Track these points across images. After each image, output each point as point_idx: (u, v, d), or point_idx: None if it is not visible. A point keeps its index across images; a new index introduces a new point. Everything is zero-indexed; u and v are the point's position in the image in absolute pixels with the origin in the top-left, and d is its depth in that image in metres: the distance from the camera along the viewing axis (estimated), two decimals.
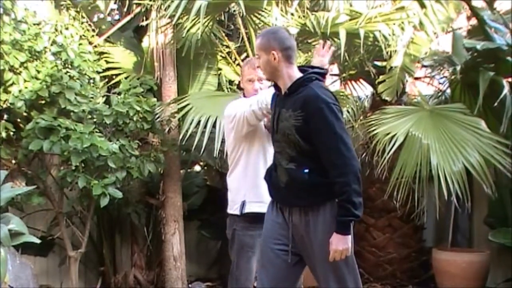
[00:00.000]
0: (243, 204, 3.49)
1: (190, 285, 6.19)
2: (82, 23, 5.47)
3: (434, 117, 5.26)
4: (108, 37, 5.90)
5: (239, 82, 5.89)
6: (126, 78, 5.64)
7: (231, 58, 5.81)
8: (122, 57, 5.97)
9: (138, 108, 5.20)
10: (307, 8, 5.42)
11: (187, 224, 6.00)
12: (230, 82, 6.10)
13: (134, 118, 5.19)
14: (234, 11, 5.63)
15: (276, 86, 3.13)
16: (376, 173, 5.20)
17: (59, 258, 5.90)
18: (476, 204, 5.80)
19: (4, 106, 4.84)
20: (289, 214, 3.07)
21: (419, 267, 6.22)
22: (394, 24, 5.11)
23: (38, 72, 4.91)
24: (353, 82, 6.46)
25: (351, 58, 5.55)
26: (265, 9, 5.22)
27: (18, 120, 5.02)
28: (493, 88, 5.06)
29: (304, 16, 5.32)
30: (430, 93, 6.47)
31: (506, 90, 5.01)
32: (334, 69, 6.58)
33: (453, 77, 5.62)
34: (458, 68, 5.43)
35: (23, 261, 4.93)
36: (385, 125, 5.16)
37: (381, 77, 5.54)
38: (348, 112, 5.08)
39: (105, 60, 5.70)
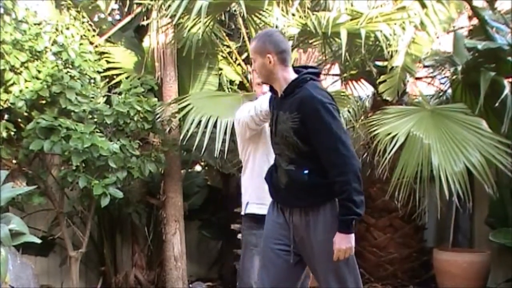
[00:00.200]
0: (246, 205, 3.60)
1: (190, 285, 6.19)
2: (83, 23, 5.46)
3: (435, 117, 5.26)
4: (109, 37, 5.90)
5: (240, 82, 5.92)
6: (127, 78, 5.64)
7: (232, 58, 5.80)
8: (123, 57, 5.97)
9: (139, 108, 5.20)
10: (308, 8, 5.41)
11: (187, 224, 6.00)
12: (231, 82, 6.10)
13: (135, 118, 5.19)
14: (235, 11, 5.62)
15: (272, 89, 3.14)
16: (377, 173, 5.19)
17: (60, 258, 5.91)
18: (477, 204, 5.80)
19: (5, 106, 4.84)
20: (289, 214, 3.07)
21: (420, 267, 6.21)
22: (395, 24, 5.10)
23: (39, 72, 4.91)
24: (354, 82, 6.46)
25: (352, 58, 5.54)
26: (266, 9, 5.22)
27: (19, 120, 5.02)
28: (494, 88, 5.05)
29: (305, 16, 5.31)
30: (431, 93, 6.47)
31: (507, 90, 5.00)
32: (335, 69, 6.59)
33: (454, 77, 5.61)
34: (459, 68, 5.42)
35: (23, 261, 4.93)
36: (386, 125, 5.16)
37: (382, 77, 5.53)
38: (349, 112, 5.07)
39: (106, 60, 5.70)
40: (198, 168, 7.01)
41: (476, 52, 5.18)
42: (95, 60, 5.33)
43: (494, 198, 5.23)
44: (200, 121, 4.86)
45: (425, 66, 6.20)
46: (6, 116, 4.95)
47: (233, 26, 6.09)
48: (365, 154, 5.69)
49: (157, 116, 5.35)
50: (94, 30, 5.65)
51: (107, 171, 4.93)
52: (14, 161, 5.02)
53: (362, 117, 5.58)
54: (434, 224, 6.37)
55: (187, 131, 4.87)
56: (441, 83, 6.40)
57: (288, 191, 3.05)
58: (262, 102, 3.42)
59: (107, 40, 5.90)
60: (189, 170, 6.53)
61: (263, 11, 5.29)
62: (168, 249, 5.73)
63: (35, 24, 5.05)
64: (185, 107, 5.10)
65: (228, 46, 5.80)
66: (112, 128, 5.19)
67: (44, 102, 4.95)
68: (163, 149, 5.53)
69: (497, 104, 5.02)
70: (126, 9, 6.12)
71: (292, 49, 5.65)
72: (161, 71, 5.68)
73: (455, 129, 5.09)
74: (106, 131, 5.14)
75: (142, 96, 5.34)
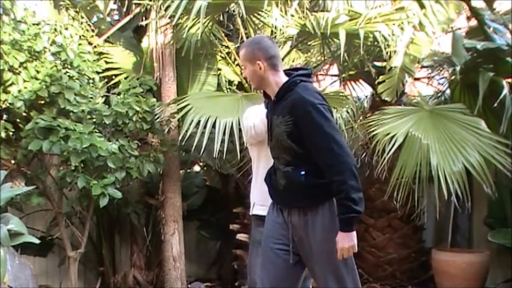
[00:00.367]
0: (253, 205, 3.65)
1: (189, 286, 6.18)
2: (82, 23, 5.46)
3: (434, 117, 5.26)
4: (108, 37, 5.90)
5: (239, 82, 5.92)
6: (125, 78, 5.64)
7: (230, 58, 5.81)
8: (122, 57, 5.97)
9: (138, 108, 5.20)
10: (306, 9, 5.41)
11: (186, 225, 6.00)
12: (230, 83, 6.10)
13: (134, 118, 5.19)
14: (234, 11, 5.63)
15: (266, 94, 3.15)
16: (376, 174, 5.19)
17: (59, 258, 5.91)
18: (476, 205, 5.80)
19: (4, 106, 4.83)
20: (288, 214, 3.08)
21: (419, 267, 6.21)
22: (393, 24, 5.11)
23: (38, 72, 4.90)
24: (352, 82, 6.46)
25: (350, 59, 5.55)
26: (265, 9, 5.22)
27: (18, 120, 5.01)
28: (492, 88, 5.06)
29: (304, 17, 5.31)
30: (430, 94, 6.47)
31: (505, 90, 5.01)
32: (334, 69, 6.59)
33: (452, 77, 5.62)
34: (458, 68, 5.42)
35: (22, 261, 4.92)
36: (385, 125, 5.16)
37: (380, 77, 5.53)
38: (348, 112, 5.07)
39: (105, 60, 5.70)
40: (197, 168, 7.01)
41: (475, 53, 5.19)
42: (94, 61, 5.33)
43: (493, 198, 5.23)
44: (199, 122, 4.86)
45: (423, 67, 6.20)
46: (4, 116, 4.94)
47: (232, 27, 6.10)
48: (364, 154, 5.68)
49: (156, 116, 5.35)
50: (92, 31, 5.65)
51: (106, 171, 4.92)
52: (12, 161, 5.02)
53: (361, 118, 5.58)
54: (433, 225, 6.37)
55: (186, 131, 4.86)
56: (439, 84, 6.41)
57: (287, 192, 3.07)
58: (261, 110, 3.42)
59: (106, 41, 5.90)
60: (188, 170, 6.53)
61: (262, 11, 5.30)
62: (166, 249, 5.73)
63: (33, 24, 5.04)
64: (184, 107, 5.09)
65: (227, 47, 5.80)
66: (111, 128, 5.19)
67: (42, 102, 4.94)
68: (162, 149, 5.53)
69: (495, 104, 5.03)
70: (125, 10, 6.12)
71: (291, 50, 5.67)
72: (160, 72, 5.68)
73: (454, 129, 5.09)
74: (105, 131, 5.14)
75: (141, 97, 5.34)
